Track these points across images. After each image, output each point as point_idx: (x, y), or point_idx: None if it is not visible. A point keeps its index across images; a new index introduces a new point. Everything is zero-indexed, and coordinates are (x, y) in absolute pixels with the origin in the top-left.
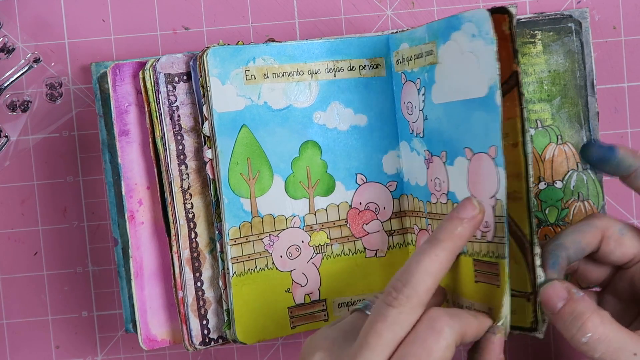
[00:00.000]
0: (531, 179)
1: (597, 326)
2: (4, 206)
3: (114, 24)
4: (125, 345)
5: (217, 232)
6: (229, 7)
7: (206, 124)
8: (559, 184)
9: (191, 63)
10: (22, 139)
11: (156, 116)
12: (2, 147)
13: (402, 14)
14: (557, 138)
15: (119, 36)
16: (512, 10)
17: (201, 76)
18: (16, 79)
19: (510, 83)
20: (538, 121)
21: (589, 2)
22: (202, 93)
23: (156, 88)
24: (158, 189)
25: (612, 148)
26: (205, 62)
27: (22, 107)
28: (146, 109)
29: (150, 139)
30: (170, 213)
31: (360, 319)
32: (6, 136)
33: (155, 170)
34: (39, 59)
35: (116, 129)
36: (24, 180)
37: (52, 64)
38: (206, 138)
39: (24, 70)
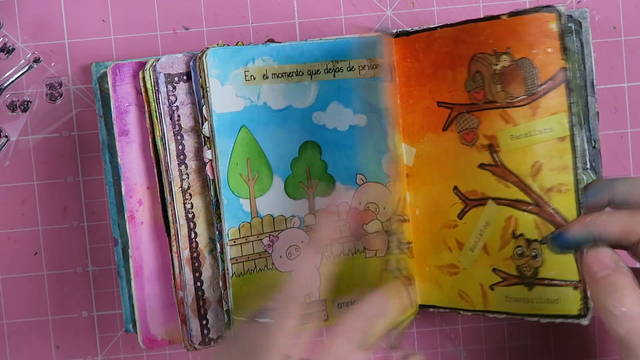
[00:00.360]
0: (579, 171)
1: (634, 303)
2: (4, 206)
3: (114, 24)
4: (125, 345)
5: (217, 233)
6: (229, 7)
7: (206, 125)
8: None
9: (191, 64)
10: (22, 139)
11: (156, 116)
12: (2, 147)
13: (402, 14)
14: None
15: (119, 36)
16: (561, 8)
17: (201, 77)
18: (16, 79)
19: (557, 79)
20: None
21: (589, 2)
22: (201, 94)
23: (156, 88)
24: (158, 189)
25: (560, 235)
26: (204, 62)
27: (22, 107)
28: (146, 108)
29: (150, 139)
30: (170, 213)
31: (251, 331)
32: (6, 136)
33: (155, 170)
34: (39, 59)
35: (116, 129)
36: (24, 180)
37: (52, 64)
38: (206, 139)
39: (24, 70)
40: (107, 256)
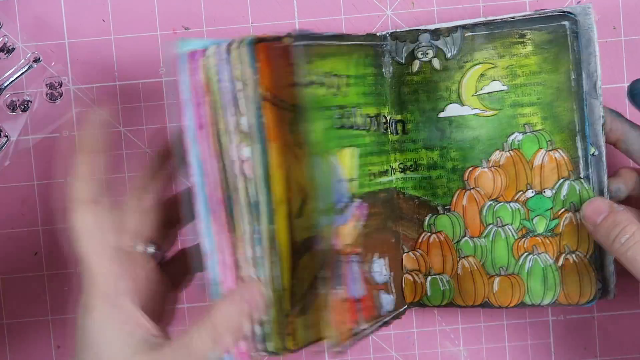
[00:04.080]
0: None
1: (635, 230)
2: (4, 206)
3: (114, 24)
4: None
5: (256, 236)
6: (229, 7)
7: (244, 120)
8: (548, 193)
9: (224, 55)
10: (22, 139)
11: (219, 107)
12: (2, 147)
13: (402, 14)
14: (548, 144)
15: (119, 36)
16: None
17: (236, 68)
18: (16, 78)
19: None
20: (527, 126)
21: (589, 2)
22: (237, 86)
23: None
24: (221, 187)
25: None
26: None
27: (22, 107)
28: (207, 99)
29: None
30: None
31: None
32: (6, 136)
33: (219, 165)
34: (39, 58)
35: (195, 122)
36: (24, 180)
37: (52, 64)
38: (243, 135)
39: (24, 70)
40: None
